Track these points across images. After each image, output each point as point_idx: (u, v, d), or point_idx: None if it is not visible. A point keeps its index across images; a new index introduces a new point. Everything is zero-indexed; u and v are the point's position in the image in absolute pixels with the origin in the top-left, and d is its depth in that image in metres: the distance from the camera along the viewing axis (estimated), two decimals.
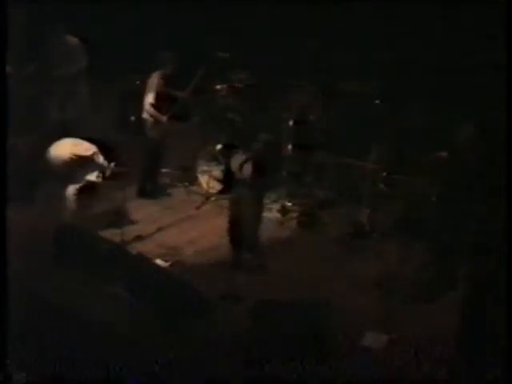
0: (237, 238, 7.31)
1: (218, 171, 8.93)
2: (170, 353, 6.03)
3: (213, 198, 8.87)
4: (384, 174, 8.02)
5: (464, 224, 6.78)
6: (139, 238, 7.93)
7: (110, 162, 7.71)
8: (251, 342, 6.03)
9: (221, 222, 7.87)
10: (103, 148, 7.75)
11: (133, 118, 9.01)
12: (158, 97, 8.63)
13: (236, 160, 7.28)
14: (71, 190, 7.73)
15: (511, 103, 4.74)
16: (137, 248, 7.53)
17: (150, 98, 8.60)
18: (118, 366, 5.62)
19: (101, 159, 7.67)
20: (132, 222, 8.13)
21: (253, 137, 7.38)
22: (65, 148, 7.69)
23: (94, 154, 7.65)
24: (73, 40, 9.26)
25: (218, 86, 10.86)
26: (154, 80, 8.63)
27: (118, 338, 6.11)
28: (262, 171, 7.14)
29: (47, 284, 6.92)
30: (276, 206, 8.71)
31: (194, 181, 9.23)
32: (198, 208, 8.74)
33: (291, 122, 8.91)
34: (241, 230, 7.25)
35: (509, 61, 4.70)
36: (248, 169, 7.10)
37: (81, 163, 7.65)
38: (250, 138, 7.43)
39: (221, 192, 8.84)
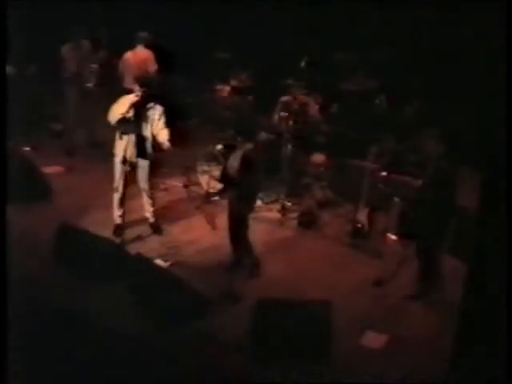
0: (234, 237, 7.27)
1: (218, 171, 8.91)
2: (170, 353, 6.04)
3: (213, 198, 8.87)
4: (384, 173, 8.02)
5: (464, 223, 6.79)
6: (139, 237, 7.95)
7: None
8: (251, 342, 6.03)
9: (221, 222, 7.87)
10: None
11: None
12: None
13: (234, 159, 7.16)
14: None
15: (511, 103, 4.73)
16: (137, 248, 7.53)
17: None
18: (118, 366, 5.63)
19: None
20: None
21: (253, 137, 7.35)
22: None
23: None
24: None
25: (218, 86, 10.89)
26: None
27: (118, 338, 6.11)
28: (251, 170, 6.92)
29: (47, 284, 6.92)
30: (276, 206, 8.72)
31: (193, 181, 9.22)
32: (197, 208, 8.74)
33: (291, 122, 8.92)
34: (237, 230, 7.20)
35: (509, 60, 4.70)
36: (236, 168, 6.94)
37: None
38: (250, 138, 7.40)
39: (221, 192, 8.84)
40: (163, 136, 7.60)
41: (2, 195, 5.18)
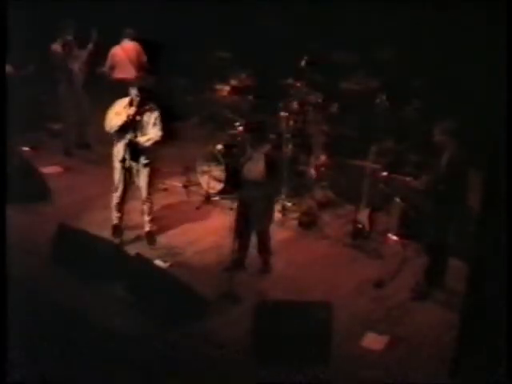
0: (240, 237, 7.24)
1: (218, 171, 8.92)
2: (170, 353, 6.03)
3: (213, 198, 8.87)
4: (384, 173, 8.02)
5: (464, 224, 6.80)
6: (139, 238, 7.94)
7: None
8: (251, 342, 6.02)
9: (221, 223, 7.86)
10: None
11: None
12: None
13: (255, 161, 7.05)
14: None
15: (511, 103, 4.74)
16: (136, 248, 7.51)
17: None
18: (118, 366, 5.62)
19: None
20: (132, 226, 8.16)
21: (253, 136, 7.34)
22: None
23: None
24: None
25: (218, 86, 10.90)
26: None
27: (118, 338, 6.10)
28: (275, 171, 7.07)
29: (47, 284, 6.92)
30: (276, 206, 8.70)
31: (193, 181, 9.22)
32: (198, 208, 8.74)
33: (291, 122, 8.92)
34: (248, 231, 7.18)
35: (509, 60, 4.70)
36: (260, 169, 6.98)
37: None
38: (250, 138, 7.40)
39: (221, 192, 8.84)
40: (152, 135, 7.45)
41: (2, 195, 5.18)
